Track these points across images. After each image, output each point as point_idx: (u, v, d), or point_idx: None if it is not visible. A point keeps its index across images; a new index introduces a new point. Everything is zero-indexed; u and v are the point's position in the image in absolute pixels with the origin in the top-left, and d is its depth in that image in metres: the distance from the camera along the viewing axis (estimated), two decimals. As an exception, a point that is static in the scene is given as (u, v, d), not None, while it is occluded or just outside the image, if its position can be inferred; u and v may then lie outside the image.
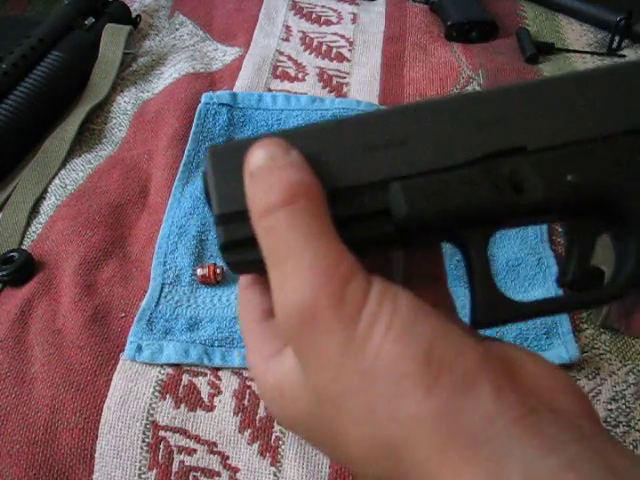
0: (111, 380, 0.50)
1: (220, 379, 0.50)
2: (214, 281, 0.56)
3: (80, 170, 0.67)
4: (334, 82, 0.77)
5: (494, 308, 0.26)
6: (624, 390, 0.49)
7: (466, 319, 0.27)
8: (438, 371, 0.20)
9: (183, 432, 0.47)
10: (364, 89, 0.76)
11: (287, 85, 0.76)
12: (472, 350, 0.21)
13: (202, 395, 0.49)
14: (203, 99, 0.71)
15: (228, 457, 0.47)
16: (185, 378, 0.50)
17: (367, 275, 0.22)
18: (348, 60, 0.81)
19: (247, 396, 0.49)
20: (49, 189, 0.65)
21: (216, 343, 0.52)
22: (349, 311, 0.21)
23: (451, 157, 0.26)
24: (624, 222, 0.26)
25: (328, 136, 0.26)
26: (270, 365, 0.25)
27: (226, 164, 0.26)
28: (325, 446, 0.24)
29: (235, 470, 0.46)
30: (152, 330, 0.52)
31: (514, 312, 0.26)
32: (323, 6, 0.90)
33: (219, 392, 0.49)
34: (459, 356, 0.21)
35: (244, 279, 0.28)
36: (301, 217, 0.23)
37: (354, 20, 0.87)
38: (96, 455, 0.46)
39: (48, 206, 0.64)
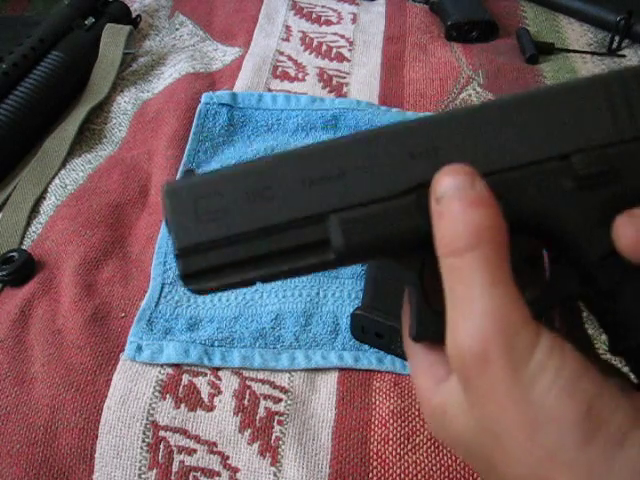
0: (111, 380, 0.50)
1: (220, 379, 0.50)
2: (214, 281, 0.56)
3: (80, 170, 0.67)
4: (334, 82, 0.77)
5: (425, 326, 0.29)
6: (624, 390, 0.49)
7: None
8: (596, 427, 0.23)
9: (183, 432, 0.47)
10: (364, 89, 0.76)
11: (287, 85, 0.76)
12: (625, 404, 0.23)
13: (202, 395, 0.49)
14: (203, 99, 0.71)
15: (228, 457, 0.47)
16: (185, 378, 0.50)
17: (537, 327, 0.24)
18: (348, 60, 0.81)
19: (247, 396, 0.49)
20: (49, 189, 0.65)
21: (216, 343, 0.52)
22: (517, 360, 0.23)
23: (384, 188, 0.28)
24: (555, 243, 0.28)
25: (270, 172, 0.28)
26: (439, 387, 0.27)
27: (183, 201, 0.28)
28: (481, 470, 0.27)
29: (235, 470, 0.46)
30: (152, 330, 0.52)
31: (442, 329, 0.27)
32: (323, 6, 0.90)
33: (219, 392, 0.49)
34: (614, 412, 0.23)
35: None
36: (484, 263, 0.24)
37: (354, 20, 0.87)
38: (96, 455, 0.46)
39: (48, 206, 0.64)
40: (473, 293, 0.24)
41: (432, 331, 0.28)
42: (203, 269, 0.28)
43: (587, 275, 0.27)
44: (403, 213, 0.27)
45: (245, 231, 0.27)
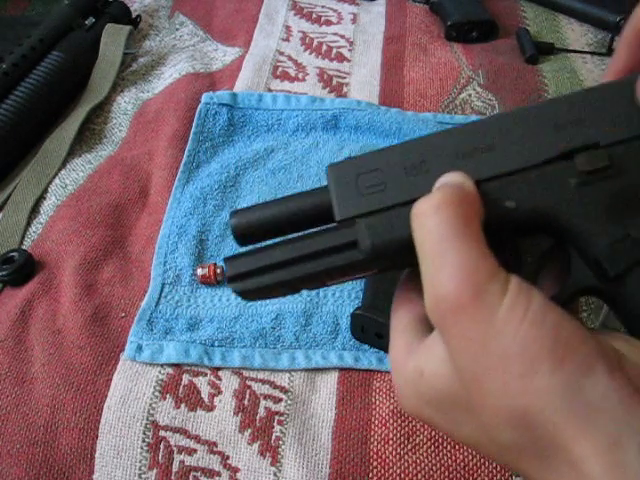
0: (111, 380, 0.50)
1: (220, 379, 0.50)
2: (214, 281, 0.56)
3: (80, 170, 0.67)
4: (334, 82, 0.77)
5: None
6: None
7: None
8: (564, 354, 0.24)
9: (183, 432, 0.47)
10: (364, 89, 0.76)
11: (287, 85, 0.76)
12: (590, 339, 0.25)
13: (202, 395, 0.49)
14: (203, 99, 0.71)
15: (228, 457, 0.47)
16: (185, 378, 0.50)
17: (506, 274, 0.26)
18: (348, 60, 0.81)
19: (247, 396, 0.49)
20: (49, 189, 0.65)
21: (216, 343, 0.52)
22: (490, 301, 0.25)
23: (536, 157, 0.30)
24: (564, 239, 0.30)
25: (424, 148, 0.31)
26: (415, 352, 0.29)
27: (345, 176, 0.31)
28: (455, 421, 0.28)
29: (235, 470, 0.46)
30: (152, 330, 0.52)
31: None
32: (323, 6, 0.90)
33: (219, 392, 0.49)
34: (581, 344, 0.24)
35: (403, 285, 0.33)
36: (451, 220, 0.27)
37: (354, 20, 0.87)
38: (96, 455, 0.46)
39: (48, 206, 0.64)
40: (442, 247, 0.26)
41: None
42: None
43: (596, 265, 0.29)
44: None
45: (405, 200, 0.30)
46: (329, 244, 0.30)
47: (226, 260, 0.31)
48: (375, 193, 0.30)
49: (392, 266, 0.31)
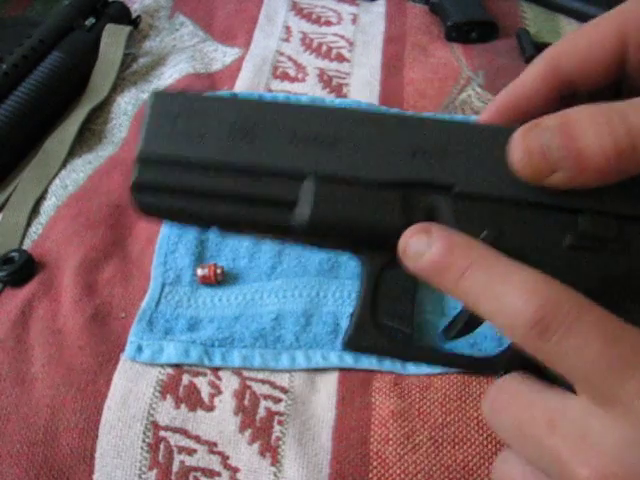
0: (111, 380, 0.50)
1: (220, 379, 0.50)
2: (214, 281, 0.56)
3: (80, 170, 0.67)
4: (334, 83, 0.77)
5: (362, 336, 0.26)
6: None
7: None
8: None
9: (183, 432, 0.47)
10: (364, 90, 0.76)
11: (287, 86, 0.77)
12: None
13: (202, 395, 0.49)
14: (203, 99, 0.71)
15: (228, 457, 0.47)
16: (185, 378, 0.50)
17: None
18: (348, 61, 0.81)
19: (247, 396, 0.49)
20: (49, 189, 0.65)
21: (216, 343, 0.52)
22: None
23: (375, 172, 0.25)
24: None
25: (264, 113, 0.26)
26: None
27: (166, 110, 0.26)
28: None
29: (235, 470, 0.46)
30: (152, 330, 0.53)
31: (379, 346, 0.26)
32: (323, 6, 0.90)
33: (219, 392, 0.49)
34: None
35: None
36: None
37: (354, 21, 0.87)
38: (96, 455, 0.46)
39: (48, 206, 0.64)
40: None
41: (370, 343, 0.26)
42: (157, 183, 0.26)
43: None
44: (385, 205, 0.25)
45: (213, 161, 0.26)
46: (261, 192, 0.25)
47: (138, 162, 0.27)
48: (188, 140, 0.26)
49: (319, 245, 0.27)
